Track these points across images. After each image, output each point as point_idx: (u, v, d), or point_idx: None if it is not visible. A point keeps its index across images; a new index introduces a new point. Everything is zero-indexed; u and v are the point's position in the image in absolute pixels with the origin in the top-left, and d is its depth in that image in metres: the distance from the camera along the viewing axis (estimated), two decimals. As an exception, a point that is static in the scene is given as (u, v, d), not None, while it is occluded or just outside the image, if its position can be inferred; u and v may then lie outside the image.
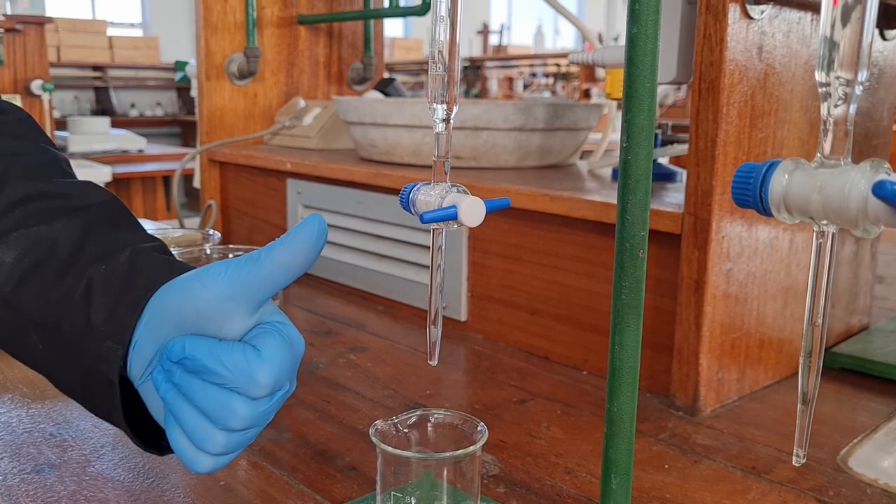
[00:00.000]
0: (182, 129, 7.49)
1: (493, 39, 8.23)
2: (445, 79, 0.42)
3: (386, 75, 1.61)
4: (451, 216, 0.42)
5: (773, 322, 0.82)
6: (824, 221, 0.29)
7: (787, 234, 0.81)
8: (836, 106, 0.30)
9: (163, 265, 0.46)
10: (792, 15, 0.76)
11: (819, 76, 0.29)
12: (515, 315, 0.96)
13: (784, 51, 0.76)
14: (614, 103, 1.16)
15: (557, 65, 6.72)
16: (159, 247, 0.49)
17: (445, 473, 0.47)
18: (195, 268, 0.45)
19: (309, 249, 0.42)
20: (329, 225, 1.21)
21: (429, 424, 0.50)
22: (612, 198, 0.84)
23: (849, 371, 0.87)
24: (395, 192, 1.07)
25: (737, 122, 0.72)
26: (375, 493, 0.50)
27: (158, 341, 0.43)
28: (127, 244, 0.47)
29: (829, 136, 0.29)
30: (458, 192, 0.43)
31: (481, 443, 0.47)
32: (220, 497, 0.59)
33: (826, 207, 0.29)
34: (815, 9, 0.79)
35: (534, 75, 7.06)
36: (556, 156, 1.14)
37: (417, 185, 0.45)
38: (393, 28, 9.51)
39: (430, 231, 0.45)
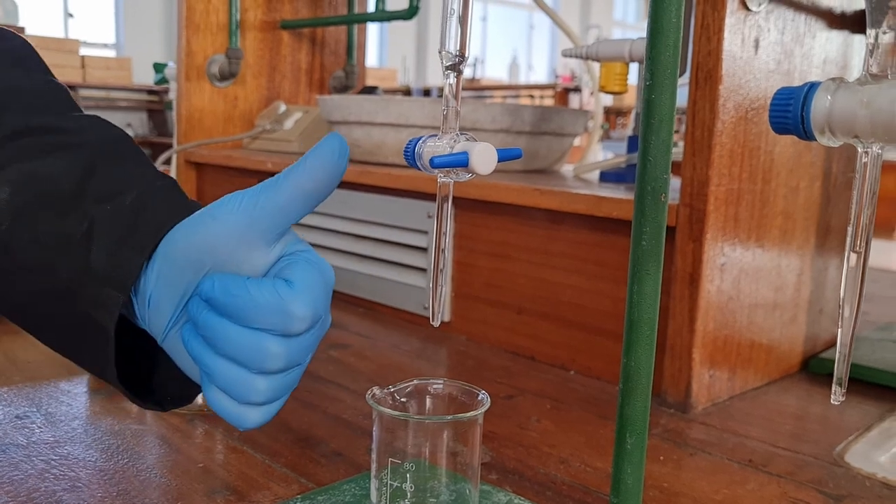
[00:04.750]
0: (152, 150, 7.41)
1: (468, 72, 8.30)
2: (459, 22, 0.41)
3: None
4: (462, 162, 0.40)
5: (763, 323, 0.81)
6: (871, 140, 0.28)
7: (778, 232, 0.80)
8: (884, 32, 0.28)
9: (173, 206, 0.41)
10: (787, 13, 0.76)
11: (870, -11, 0.28)
12: (501, 315, 0.94)
13: (779, 47, 0.76)
14: (601, 107, 1.16)
15: (531, 96, 6.78)
16: (170, 185, 0.44)
17: (445, 439, 0.44)
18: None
19: (330, 171, 0.39)
20: (311, 226, 1.18)
21: (427, 395, 0.48)
22: (603, 194, 0.83)
23: (837, 375, 0.86)
24: (380, 190, 1.05)
25: (733, 112, 0.72)
26: (369, 472, 0.47)
27: (177, 292, 0.39)
28: (134, 183, 0.42)
29: (877, 52, 0.28)
30: (468, 139, 0.41)
31: (484, 408, 0.45)
32: (199, 478, 0.56)
33: (874, 123, 0.28)
34: (809, 11, 0.79)
35: (507, 107, 7.10)
36: (542, 160, 1.13)
37: (423, 138, 0.43)
38: (367, 57, 9.55)
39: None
